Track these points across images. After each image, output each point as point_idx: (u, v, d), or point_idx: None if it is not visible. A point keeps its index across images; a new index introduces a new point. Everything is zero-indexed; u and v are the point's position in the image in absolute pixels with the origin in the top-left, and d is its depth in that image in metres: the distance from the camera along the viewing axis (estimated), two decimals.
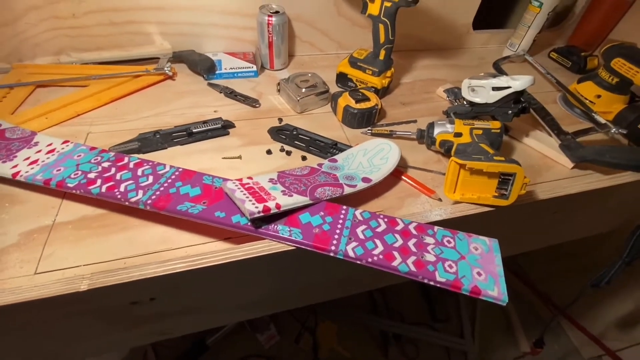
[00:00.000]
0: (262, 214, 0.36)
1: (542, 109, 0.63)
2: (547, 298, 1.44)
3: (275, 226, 0.36)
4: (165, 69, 0.63)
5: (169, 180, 0.41)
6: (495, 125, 0.51)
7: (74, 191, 0.40)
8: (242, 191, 0.39)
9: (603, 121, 0.59)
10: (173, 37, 0.68)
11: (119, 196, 0.39)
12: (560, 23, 0.93)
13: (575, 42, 0.89)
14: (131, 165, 0.43)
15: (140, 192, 0.39)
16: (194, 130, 0.53)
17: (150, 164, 0.44)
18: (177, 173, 0.42)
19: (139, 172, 0.42)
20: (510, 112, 0.53)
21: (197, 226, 0.39)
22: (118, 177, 0.41)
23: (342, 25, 0.74)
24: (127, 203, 0.39)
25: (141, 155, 0.49)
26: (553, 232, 0.68)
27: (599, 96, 0.65)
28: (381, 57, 0.61)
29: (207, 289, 0.40)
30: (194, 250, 0.39)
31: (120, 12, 0.62)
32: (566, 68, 0.84)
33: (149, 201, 0.38)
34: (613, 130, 0.57)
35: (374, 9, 0.57)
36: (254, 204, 0.36)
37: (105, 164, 0.43)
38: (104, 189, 0.40)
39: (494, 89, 0.53)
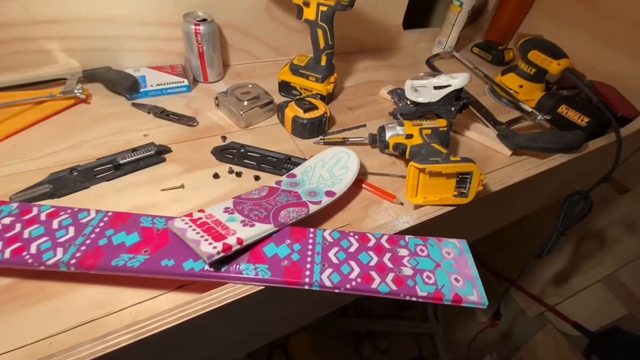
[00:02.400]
0: (222, 255, 0.31)
1: (477, 102, 0.66)
2: (495, 271, 1.58)
3: (238, 266, 0.32)
4: (76, 91, 0.53)
5: (97, 230, 0.34)
6: (442, 123, 0.52)
7: None
8: (194, 229, 0.33)
9: (530, 109, 0.64)
10: (82, 54, 0.58)
11: (29, 260, 0.31)
12: (477, 20, 1.01)
13: (491, 37, 0.98)
14: (42, 216, 0.35)
15: (60, 250, 0.32)
16: (121, 162, 0.45)
17: (69, 211, 0.36)
18: (105, 219, 0.35)
19: (55, 225, 0.34)
20: (453, 109, 0.55)
21: (139, 278, 0.33)
22: (26, 234, 0.33)
23: (277, 31, 0.71)
24: (42, 267, 0.31)
25: (55, 201, 0.40)
26: (503, 215, 0.73)
27: (521, 86, 0.72)
28: (323, 62, 0.59)
29: (165, 354, 0.33)
30: (141, 310, 0.33)
31: (7, 29, 0.51)
32: (487, 61, 0.91)
33: (73, 261, 0.31)
34: (539, 117, 0.62)
35: (309, 13, 0.54)
36: (210, 243, 0.31)
37: (7, 220, 0.34)
38: (7, 254, 0.31)
39: (436, 88, 0.54)
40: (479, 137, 0.62)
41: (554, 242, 0.73)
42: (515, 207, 0.71)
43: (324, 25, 0.55)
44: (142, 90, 0.58)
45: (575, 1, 0.84)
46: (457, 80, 0.53)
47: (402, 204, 0.48)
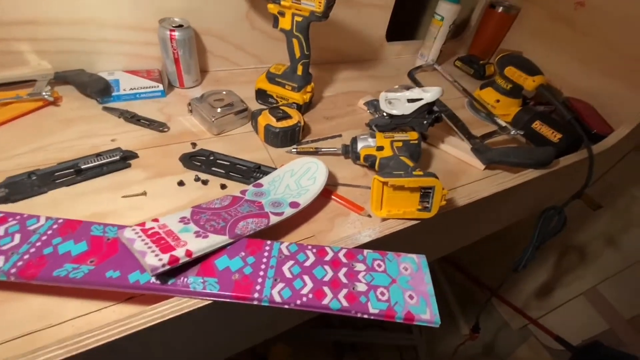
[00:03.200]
0: (167, 268, 0.30)
1: (453, 116, 0.67)
2: (478, 281, 1.58)
3: (185, 279, 0.31)
4: (44, 93, 0.52)
5: (44, 238, 0.33)
6: (413, 136, 0.52)
7: None
8: (143, 240, 0.32)
9: (504, 124, 0.65)
10: (54, 56, 0.57)
11: None
12: (461, 34, 1.03)
13: (474, 51, 0.99)
14: None
15: (1, 258, 0.31)
16: (83, 166, 0.44)
17: (17, 217, 0.34)
18: (55, 226, 0.34)
19: (1, 231, 0.33)
20: (425, 122, 0.55)
21: (88, 290, 0.32)
22: None
23: (258, 39, 0.71)
24: None
25: (9, 206, 0.39)
26: (475, 229, 0.72)
27: (498, 101, 0.72)
28: (299, 72, 0.59)
29: None
30: (85, 322, 0.31)
31: None
32: (469, 75, 0.92)
33: (13, 270, 0.30)
34: (513, 132, 0.63)
35: (285, 23, 0.54)
36: (157, 255, 0.30)
37: None
38: None
39: (409, 100, 0.54)
40: (454, 150, 0.62)
41: (529, 257, 0.74)
42: (486, 221, 0.71)
43: (299, 35, 0.55)
44: (114, 94, 0.57)
45: (554, 20, 0.85)
46: (429, 94, 0.53)
47: (369, 216, 0.47)
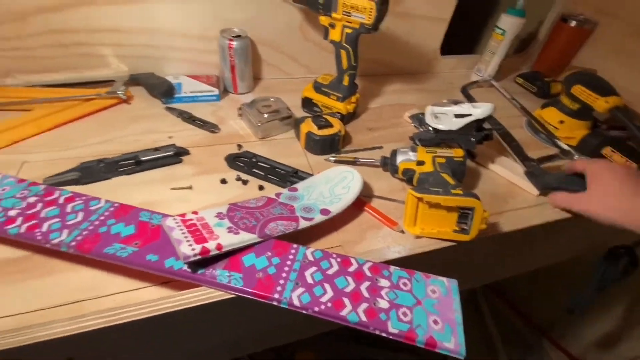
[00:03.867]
0: (199, 257, 0.32)
1: (507, 135, 0.62)
2: (528, 318, 1.42)
3: (214, 271, 0.33)
4: (119, 92, 0.60)
5: (101, 218, 0.37)
6: (458, 153, 0.50)
7: None
8: (181, 229, 0.35)
9: (566, 148, 0.59)
10: (131, 60, 0.65)
11: (39, 237, 0.34)
12: (525, 49, 0.96)
13: (539, 67, 0.92)
14: (61, 200, 0.39)
15: (65, 232, 0.35)
16: (142, 158, 0.50)
17: (83, 198, 0.39)
18: (112, 209, 0.38)
19: (69, 209, 0.38)
20: (473, 139, 0.52)
21: (132, 270, 0.35)
22: (43, 214, 0.37)
23: (309, 50, 0.73)
24: (48, 245, 0.34)
25: (79, 188, 0.45)
26: (524, 260, 0.66)
27: (562, 122, 0.66)
28: (345, 82, 0.60)
29: (137, 344, 0.35)
30: (124, 299, 0.34)
31: (71, 34, 0.59)
32: (532, 93, 0.85)
33: (73, 243, 0.34)
34: (576, 157, 0.56)
35: (335, 35, 0.56)
36: (190, 245, 0.33)
37: (32, 199, 0.39)
38: (23, 229, 0.35)
39: (457, 116, 0.52)
40: (505, 172, 0.58)
41: (588, 300, 0.65)
42: (538, 253, 0.64)
43: (348, 47, 0.56)
44: (176, 95, 0.63)
45: (637, 36, 0.76)
46: (479, 110, 0.50)
47: (402, 232, 0.46)
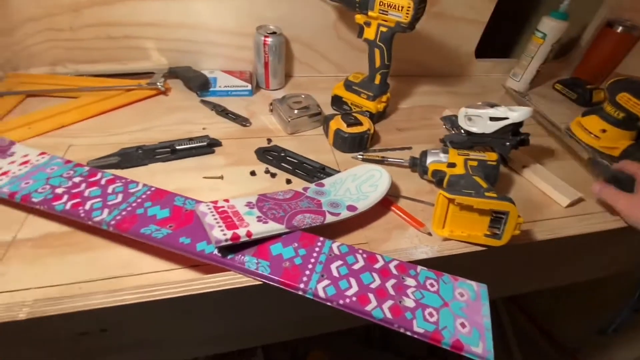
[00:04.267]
0: (229, 243, 0.33)
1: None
2: (551, 337, 1.35)
3: (242, 257, 0.33)
4: (158, 84, 0.62)
5: (139, 200, 0.39)
6: (491, 157, 0.48)
7: (38, 206, 0.38)
8: (213, 215, 0.36)
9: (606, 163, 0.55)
10: (170, 53, 0.68)
11: (82, 214, 0.37)
12: (567, 54, 0.92)
13: (581, 74, 0.87)
14: (103, 181, 0.41)
15: (106, 211, 0.37)
16: (177, 147, 0.52)
17: (122, 181, 0.42)
18: (148, 192, 0.40)
19: (110, 190, 0.40)
20: (508, 143, 0.50)
21: (164, 251, 0.36)
22: (87, 193, 0.39)
23: (341, 48, 0.74)
24: (90, 222, 0.36)
25: (118, 171, 0.47)
26: (554, 274, 0.63)
27: (604, 130, 0.62)
28: (376, 81, 0.60)
29: (165, 322, 0.37)
30: (156, 278, 0.36)
31: (119, 27, 0.62)
32: (571, 100, 0.82)
33: (113, 222, 0.36)
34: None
35: (370, 33, 0.56)
36: (222, 230, 0.34)
37: (77, 179, 0.41)
38: (68, 206, 0.37)
39: (492, 119, 0.51)
40: (539, 181, 0.55)
41: (624, 319, 0.61)
42: (570, 267, 0.61)
43: (382, 46, 0.56)
44: (211, 89, 0.65)
45: None
46: (516, 113, 0.49)
47: (430, 234, 0.45)
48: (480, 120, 0.52)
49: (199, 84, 0.64)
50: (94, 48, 0.63)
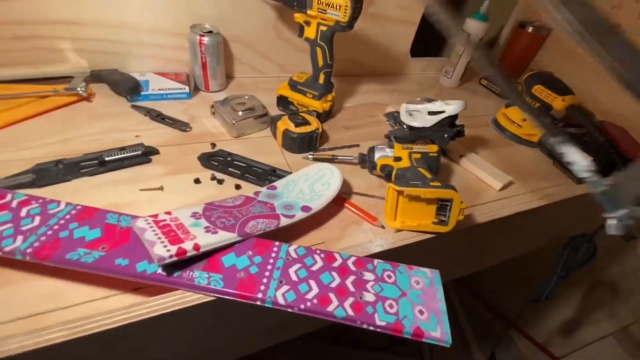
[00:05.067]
0: (174, 259, 0.30)
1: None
2: (497, 311, 1.49)
3: (191, 273, 0.31)
4: (79, 89, 0.55)
5: (62, 222, 0.34)
6: (432, 149, 0.51)
7: None
8: (154, 230, 0.33)
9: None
10: (92, 55, 0.61)
11: None
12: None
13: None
14: (14, 203, 0.35)
15: (20, 238, 0.32)
16: (106, 159, 0.46)
17: (39, 201, 0.36)
18: (73, 212, 0.35)
19: (23, 213, 0.34)
20: (447, 135, 0.54)
21: (99, 276, 0.32)
22: None
23: (283, 49, 0.73)
24: (0, 253, 0.31)
25: (34, 191, 0.41)
26: (495, 252, 0.69)
27: (524, 120, 0.70)
28: (321, 80, 0.60)
29: (101, 357, 0.32)
30: (91, 308, 0.32)
31: (27, 26, 0.54)
32: (495, 94, 0.90)
33: (29, 250, 0.31)
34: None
35: (310, 32, 0.56)
36: (165, 246, 0.31)
37: None
38: None
39: (430, 113, 0.53)
40: (475, 168, 0.60)
41: (553, 287, 0.69)
42: (507, 245, 0.68)
43: (323, 45, 0.56)
44: (143, 93, 0.60)
45: None
46: (451, 107, 0.52)
47: (383, 227, 0.46)
48: (420, 115, 0.55)
49: (129, 88, 0.58)
50: None
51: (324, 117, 0.64)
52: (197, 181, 0.47)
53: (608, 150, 0.59)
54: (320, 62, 0.58)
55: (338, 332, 1.39)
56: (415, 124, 0.55)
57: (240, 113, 0.56)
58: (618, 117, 0.76)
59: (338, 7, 0.50)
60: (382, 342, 1.40)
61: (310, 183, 0.47)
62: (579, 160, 0.32)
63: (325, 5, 0.51)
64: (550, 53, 0.91)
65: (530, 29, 0.90)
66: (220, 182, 0.48)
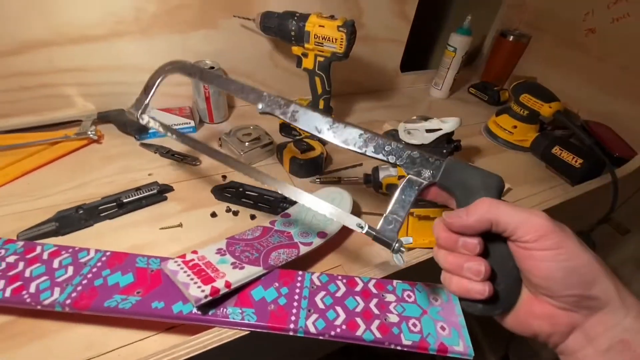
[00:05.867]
0: (209, 299, 0.32)
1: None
2: None
3: (225, 310, 0.32)
4: (89, 132, 0.57)
5: (94, 270, 0.35)
6: None
7: None
8: (185, 272, 0.35)
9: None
10: (98, 98, 0.63)
11: (28, 300, 0.32)
12: (473, 62, 1.06)
13: (486, 78, 1.01)
14: (45, 255, 0.37)
15: (57, 290, 0.33)
16: (124, 200, 0.48)
17: (69, 250, 0.37)
18: (104, 258, 0.37)
19: (55, 264, 0.36)
20: (445, 151, 0.56)
21: (130, 319, 0.34)
22: (27, 273, 0.35)
23: (280, 76, 0.76)
24: (39, 307, 0.32)
25: (59, 239, 0.42)
26: None
27: (515, 127, 0.73)
28: (320, 106, 0.63)
29: None
30: (130, 352, 0.33)
31: (33, 76, 0.56)
32: (484, 101, 0.94)
33: (68, 301, 0.32)
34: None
35: (308, 63, 0.59)
36: (199, 287, 0.32)
37: (11, 259, 0.36)
38: (8, 293, 0.33)
39: (427, 131, 0.56)
40: None
41: None
42: None
43: (321, 74, 0.59)
44: (150, 131, 0.62)
45: (567, 47, 0.87)
46: (447, 124, 0.55)
47: None
48: (418, 133, 0.58)
49: (137, 127, 0.60)
50: (3, 101, 0.56)
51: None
52: (213, 215, 0.49)
53: (596, 151, 0.62)
54: (319, 90, 0.61)
55: (353, 351, 1.39)
56: (414, 141, 0.58)
57: (246, 144, 0.59)
58: (601, 116, 0.80)
59: (334, 40, 0.53)
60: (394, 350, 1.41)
61: None
62: None
63: (322, 39, 0.54)
64: (531, 59, 0.96)
65: (511, 38, 0.94)
66: (235, 213, 0.50)
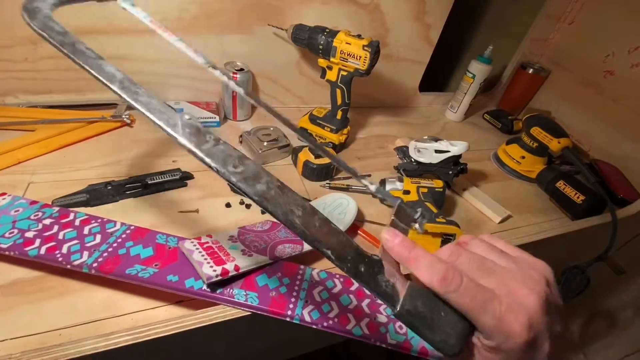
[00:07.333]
0: (220, 278, 0.35)
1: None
2: None
3: (231, 290, 0.36)
4: (124, 116, 0.62)
5: (119, 240, 0.39)
6: (438, 184, 0.56)
7: (7, 253, 0.36)
8: (200, 252, 0.38)
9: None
10: None
11: (60, 259, 0.36)
12: (492, 89, 1.08)
13: (503, 106, 1.04)
14: (77, 222, 0.41)
15: (86, 253, 0.37)
16: (149, 182, 0.52)
17: (99, 221, 0.42)
18: (128, 231, 0.41)
19: (86, 231, 0.40)
20: (451, 172, 0.59)
21: (146, 289, 0.37)
22: (61, 236, 0.39)
23: (303, 83, 0.80)
24: (69, 266, 0.36)
25: (89, 209, 0.47)
26: None
27: (523, 157, 0.76)
28: (338, 116, 0.66)
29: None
30: (141, 317, 0.37)
31: None
32: (497, 128, 0.96)
33: (95, 264, 0.36)
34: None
35: (332, 75, 0.62)
36: (212, 267, 0.36)
37: (47, 221, 0.40)
38: (43, 251, 0.37)
39: (436, 151, 0.59)
40: (476, 201, 0.65)
41: None
42: None
43: (343, 87, 0.63)
44: None
45: (584, 85, 0.89)
46: (456, 147, 0.58)
47: None
48: (427, 152, 0.61)
49: None
50: (52, 79, 0.61)
51: (339, 147, 0.70)
52: (228, 205, 0.53)
53: (598, 190, 0.64)
54: (339, 101, 0.64)
55: (337, 351, 1.41)
56: (423, 159, 0.61)
57: (265, 143, 0.63)
58: (610, 156, 0.82)
59: (358, 57, 0.57)
60: (380, 357, 1.41)
61: (328, 211, 0.52)
62: None
63: (347, 55, 0.58)
64: (548, 93, 0.98)
65: (530, 70, 0.97)
66: (247, 207, 0.54)
